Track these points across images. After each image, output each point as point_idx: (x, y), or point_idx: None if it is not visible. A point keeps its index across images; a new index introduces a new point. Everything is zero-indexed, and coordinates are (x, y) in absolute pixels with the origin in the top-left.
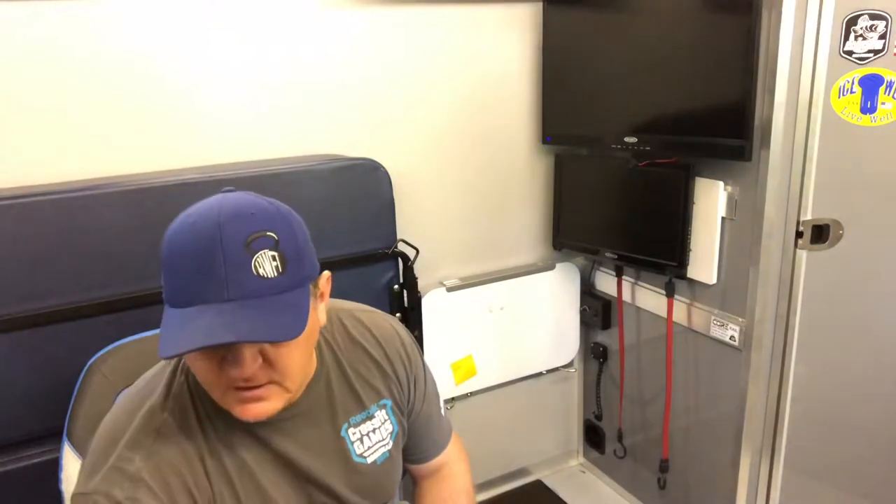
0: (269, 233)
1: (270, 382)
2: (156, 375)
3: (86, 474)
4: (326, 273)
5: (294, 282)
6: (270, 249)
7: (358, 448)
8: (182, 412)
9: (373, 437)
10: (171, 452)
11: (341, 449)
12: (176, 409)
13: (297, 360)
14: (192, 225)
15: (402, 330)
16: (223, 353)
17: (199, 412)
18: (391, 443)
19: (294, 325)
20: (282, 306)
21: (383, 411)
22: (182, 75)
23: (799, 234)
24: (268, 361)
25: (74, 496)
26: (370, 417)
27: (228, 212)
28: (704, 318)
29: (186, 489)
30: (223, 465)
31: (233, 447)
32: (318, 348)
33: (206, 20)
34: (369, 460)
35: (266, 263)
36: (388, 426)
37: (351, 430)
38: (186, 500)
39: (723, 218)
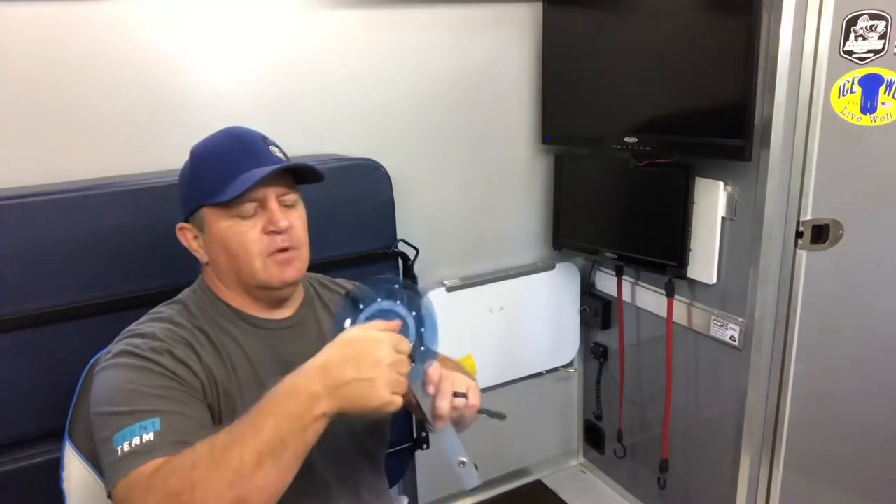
0: (269, 139)
1: (294, 248)
2: (173, 300)
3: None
4: None
5: None
6: (274, 146)
7: None
8: (192, 314)
9: None
10: (183, 332)
11: None
12: (185, 312)
13: (305, 231)
14: (222, 133)
15: (363, 286)
16: (264, 222)
17: (212, 314)
18: None
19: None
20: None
21: None
22: (182, 75)
23: (799, 234)
24: (290, 224)
25: (105, 363)
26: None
27: (241, 127)
28: (704, 318)
29: (193, 352)
30: (229, 355)
31: (239, 343)
32: (304, 286)
33: (206, 21)
34: None
35: (278, 151)
36: None
37: None
38: (186, 364)
39: (723, 218)
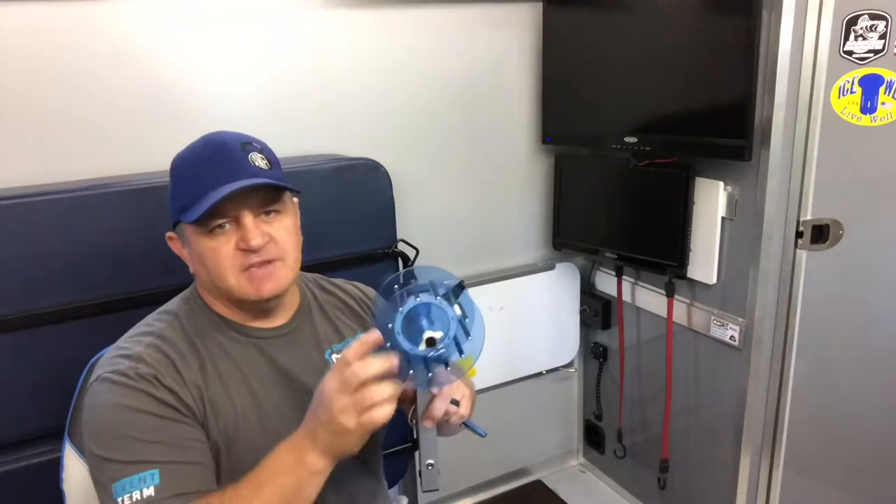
0: (253, 143)
1: (276, 259)
2: (165, 310)
3: (99, 369)
4: (296, 199)
5: (281, 179)
6: (258, 152)
7: None
8: (183, 326)
9: None
10: (170, 349)
11: (327, 370)
12: (177, 324)
13: (291, 240)
14: (201, 141)
15: (363, 286)
16: (237, 238)
17: (203, 326)
18: None
19: (290, 185)
20: (279, 179)
21: None
22: (183, 75)
23: (799, 234)
24: (269, 237)
25: (90, 387)
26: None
27: (222, 133)
28: (704, 318)
29: (178, 374)
30: (218, 369)
31: (231, 355)
32: (300, 290)
33: (208, 20)
34: None
35: (258, 159)
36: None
37: (334, 356)
38: (173, 390)
39: (723, 218)
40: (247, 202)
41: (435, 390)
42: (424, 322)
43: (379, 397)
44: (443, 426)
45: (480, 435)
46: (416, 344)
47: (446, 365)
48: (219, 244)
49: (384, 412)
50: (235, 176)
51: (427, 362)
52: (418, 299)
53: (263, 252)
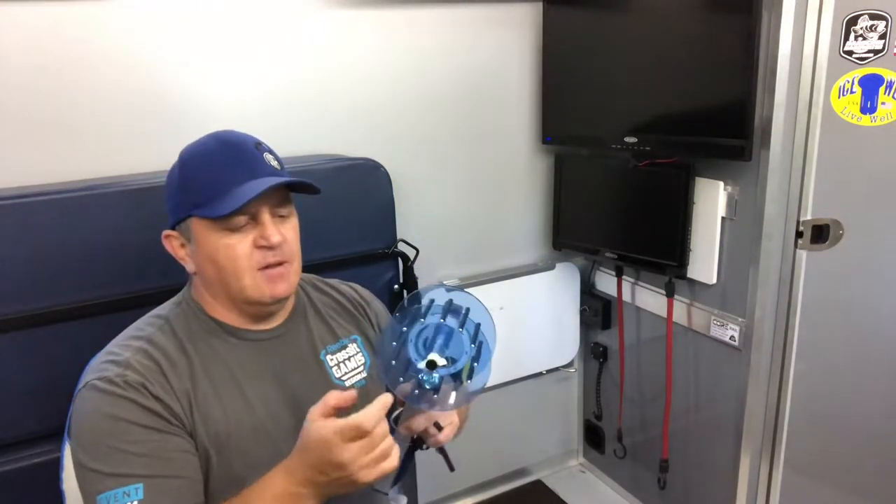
0: (263, 144)
1: (286, 262)
2: (157, 314)
3: (89, 374)
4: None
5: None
6: (269, 153)
7: (336, 372)
8: (174, 331)
9: (348, 364)
10: (159, 354)
11: (321, 371)
12: (168, 329)
13: (297, 243)
14: (213, 139)
15: (359, 288)
16: (255, 236)
17: (196, 331)
18: (366, 372)
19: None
20: (297, 178)
21: (354, 345)
22: (182, 75)
23: (799, 234)
24: (283, 237)
25: (78, 393)
26: (344, 347)
27: (232, 132)
28: (704, 318)
29: (166, 381)
30: (209, 375)
31: (224, 360)
32: (297, 290)
33: (207, 21)
34: (347, 384)
35: (272, 159)
36: (361, 358)
37: (328, 357)
38: (160, 399)
39: (723, 218)
40: (267, 201)
41: (423, 407)
42: (440, 341)
43: (389, 447)
44: (421, 440)
45: (449, 468)
46: (421, 357)
47: (436, 392)
48: (235, 241)
49: (393, 462)
50: (254, 174)
51: (420, 380)
52: (444, 320)
53: (279, 252)
